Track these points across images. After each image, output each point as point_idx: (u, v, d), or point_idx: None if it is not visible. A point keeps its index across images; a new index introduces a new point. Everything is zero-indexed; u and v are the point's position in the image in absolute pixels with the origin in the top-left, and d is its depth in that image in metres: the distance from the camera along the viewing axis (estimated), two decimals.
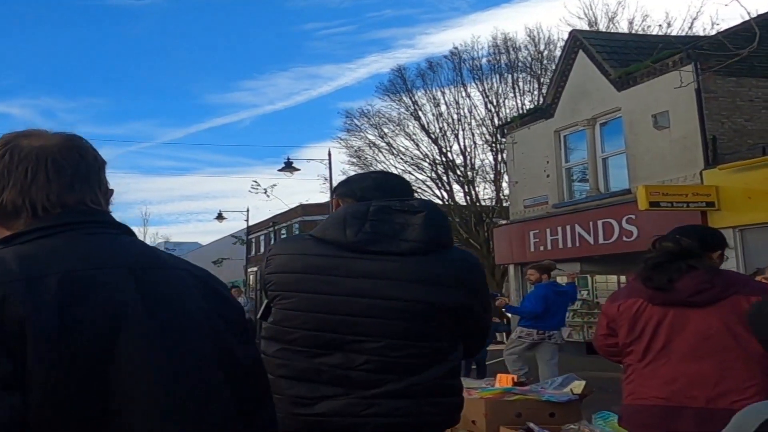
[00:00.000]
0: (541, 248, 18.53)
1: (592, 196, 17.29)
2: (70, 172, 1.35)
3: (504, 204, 25.22)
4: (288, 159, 23.87)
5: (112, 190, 1.47)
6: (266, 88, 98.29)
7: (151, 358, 1.21)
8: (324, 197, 26.19)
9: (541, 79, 25.23)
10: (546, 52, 25.37)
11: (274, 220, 44.59)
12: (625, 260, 16.27)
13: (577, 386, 4.72)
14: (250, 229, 40.41)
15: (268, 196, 20.44)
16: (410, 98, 26.57)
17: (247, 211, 37.98)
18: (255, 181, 20.20)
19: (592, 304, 18.45)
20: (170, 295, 1.31)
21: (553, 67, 25.33)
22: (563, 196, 18.46)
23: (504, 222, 21.54)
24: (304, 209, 41.17)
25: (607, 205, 16.56)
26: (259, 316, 2.37)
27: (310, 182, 45.17)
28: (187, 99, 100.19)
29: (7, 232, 1.32)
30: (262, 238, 50.15)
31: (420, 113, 26.49)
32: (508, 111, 25.14)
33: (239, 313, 1.43)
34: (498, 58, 25.54)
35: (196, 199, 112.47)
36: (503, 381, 5.45)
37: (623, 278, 18.57)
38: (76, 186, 1.35)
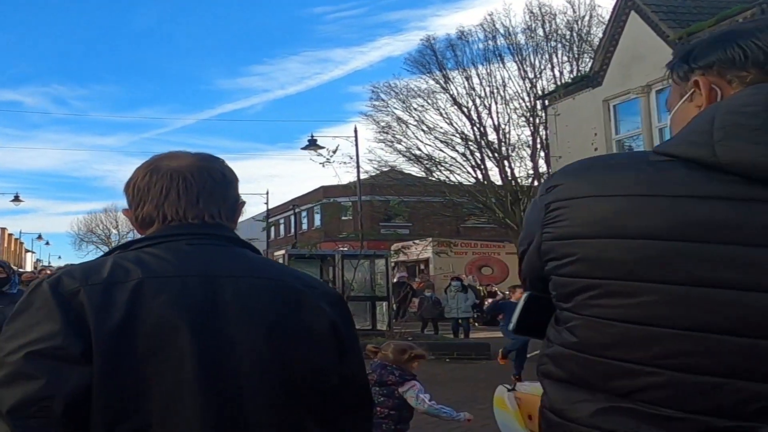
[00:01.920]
0: None
1: None
2: (197, 190, 1.54)
3: (543, 181, 23.88)
4: (312, 137, 22.60)
5: (243, 202, 1.67)
6: (277, 73, 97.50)
7: (194, 361, 1.33)
8: (351, 177, 25.02)
9: (582, 47, 23.74)
10: (586, 18, 23.84)
11: (295, 203, 43.61)
12: None
13: None
14: (269, 213, 39.37)
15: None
16: (441, 70, 25.18)
17: (267, 193, 36.95)
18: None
19: None
20: (245, 305, 1.43)
21: (592, 33, 23.99)
22: None
23: None
24: (325, 191, 40.01)
25: None
26: (512, 326, 1.40)
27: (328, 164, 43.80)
28: (198, 85, 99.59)
29: (143, 234, 1.57)
30: (281, 221, 49.12)
31: (451, 86, 25.11)
32: (545, 82, 23.72)
33: (325, 322, 1.48)
34: (534, 26, 24.05)
35: None
36: None
37: None
38: (200, 202, 1.54)
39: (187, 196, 1.53)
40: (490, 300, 23.67)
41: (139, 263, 1.42)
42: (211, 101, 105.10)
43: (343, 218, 37.95)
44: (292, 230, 46.72)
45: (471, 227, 33.18)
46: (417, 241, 27.96)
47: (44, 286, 1.37)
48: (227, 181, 1.61)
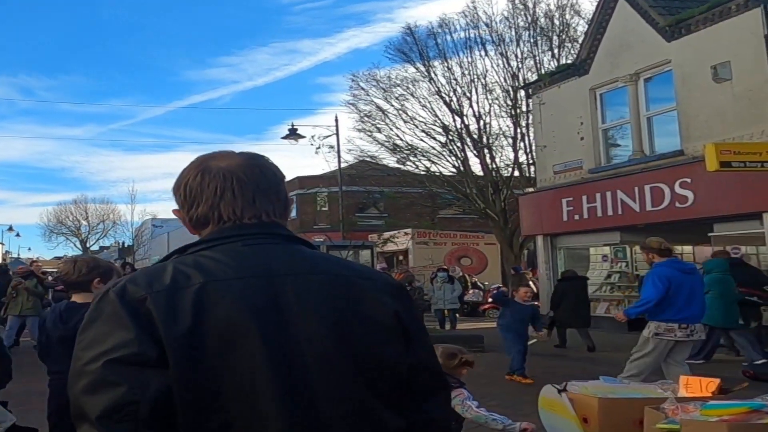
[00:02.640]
0: (576, 217, 17.08)
1: (637, 159, 15.74)
2: (252, 188, 1.55)
3: (525, 173, 23.61)
4: (292, 126, 22.17)
5: (291, 199, 1.71)
6: (245, 65, 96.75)
7: (265, 359, 1.37)
8: (331, 166, 24.57)
9: (561, 36, 23.50)
10: (567, 8, 23.58)
11: None
12: (678, 228, 14.87)
13: None
14: None
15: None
16: (422, 59, 24.76)
17: None
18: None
19: (632, 276, 17.01)
20: (307, 301, 1.45)
21: (571, 24, 23.78)
22: (600, 160, 16.92)
23: (531, 190, 19.98)
24: (300, 182, 39.48)
25: (655, 168, 15.02)
26: None
27: (304, 156, 43.38)
28: (166, 76, 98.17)
29: (199, 236, 1.58)
30: None
31: (432, 74, 24.72)
32: (526, 71, 23.45)
33: (387, 311, 1.50)
34: (515, 14, 23.72)
35: None
36: (694, 386, 3.92)
37: (684, 249, 17.02)
38: (257, 201, 1.55)
39: (243, 195, 1.53)
40: (473, 290, 23.48)
41: (198, 267, 1.44)
42: (180, 92, 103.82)
43: (320, 209, 37.51)
44: None
45: (448, 218, 32.93)
46: (406, 231, 27.74)
47: (111, 296, 1.41)
48: (278, 178, 1.63)
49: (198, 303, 1.37)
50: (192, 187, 1.55)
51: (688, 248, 17.25)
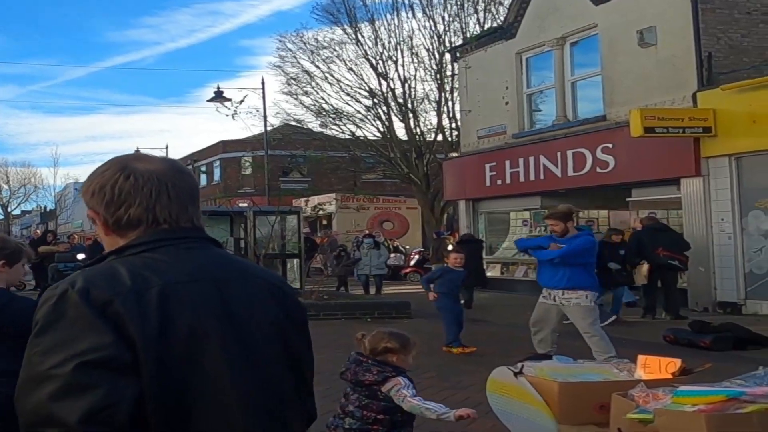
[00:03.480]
0: (499, 182, 17.02)
1: (560, 124, 15.71)
2: (185, 193, 1.56)
3: (448, 137, 23.44)
4: (218, 88, 21.29)
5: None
6: (167, 25, 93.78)
7: (225, 358, 1.41)
8: (256, 130, 23.77)
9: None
10: None
11: (194, 158, 41.77)
12: (598, 193, 14.98)
13: None
14: None
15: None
16: (351, 20, 24.13)
17: (166, 148, 35.35)
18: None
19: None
20: (248, 303, 1.51)
21: None
22: (524, 124, 16.85)
23: (455, 155, 19.81)
24: (224, 146, 38.45)
25: (577, 133, 15.04)
26: None
27: (228, 119, 42.45)
28: (88, 36, 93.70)
29: (121, 241, 1.51)
30: None
31: (359, 36, 24.15)
32: (452, 34, 23.15)
33: (304, 314, 1.66)
34: None
35: (101, 140, 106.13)
36: (653, 366, 3.65)
37: (600, 213, 17.19)
38: (189, 206, 1.56)
39: (178, 200, 1.54)
40: (395, 254, 23.29)
41: (150, 269, 1.43)
42: (102, 54, 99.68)
43: (244, 173, 36.68)
44: None
45: (371, 182, 32.67)
46: (331, 195, 27.32)
47: (74, 297, 1.35)
48: (198, 185, 1.68)
49: (162, 305, 1.37)
50: (123, 188, 1.50)
51: (604, 213, 17.45)
